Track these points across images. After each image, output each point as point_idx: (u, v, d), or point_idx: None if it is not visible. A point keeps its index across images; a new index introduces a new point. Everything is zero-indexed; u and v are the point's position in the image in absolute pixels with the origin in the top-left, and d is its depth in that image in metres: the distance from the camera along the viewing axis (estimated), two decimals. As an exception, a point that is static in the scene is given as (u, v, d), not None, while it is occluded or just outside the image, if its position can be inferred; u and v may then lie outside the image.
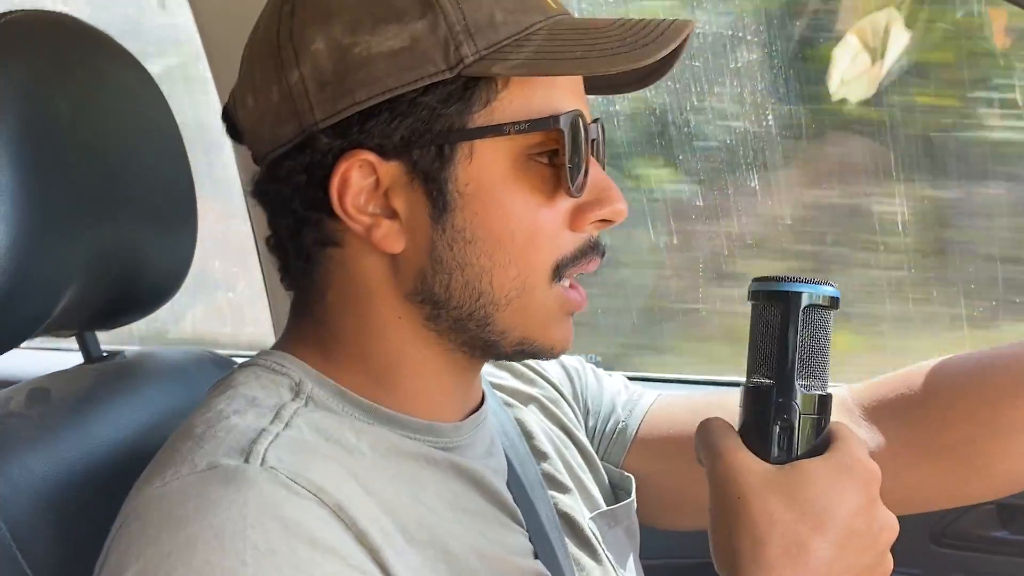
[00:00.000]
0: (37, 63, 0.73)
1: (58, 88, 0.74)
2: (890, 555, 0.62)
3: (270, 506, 0.55)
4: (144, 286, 0.85)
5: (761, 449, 0.61)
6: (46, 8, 0.81)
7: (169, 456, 0.61)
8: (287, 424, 0.62)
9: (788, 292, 0.62)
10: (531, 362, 0.91)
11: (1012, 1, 1.09)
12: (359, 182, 0.64)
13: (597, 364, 0.99)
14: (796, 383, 0.61)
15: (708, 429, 0.64)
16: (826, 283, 0.62)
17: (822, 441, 0.62)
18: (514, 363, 0.90)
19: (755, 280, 0.64)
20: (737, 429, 0.63)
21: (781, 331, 0.62)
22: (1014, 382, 0.78)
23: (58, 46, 0.77)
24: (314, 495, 0.57)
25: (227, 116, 0.71)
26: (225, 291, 1.68)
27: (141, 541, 0.56)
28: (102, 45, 0.82)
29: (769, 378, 0.62)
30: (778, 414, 0.61)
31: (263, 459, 0.58)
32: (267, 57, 0.66)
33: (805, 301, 0.61)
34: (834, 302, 0.63)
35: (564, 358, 0.94)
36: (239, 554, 0.53)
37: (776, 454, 0.61)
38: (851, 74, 1.52)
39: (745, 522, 0.59)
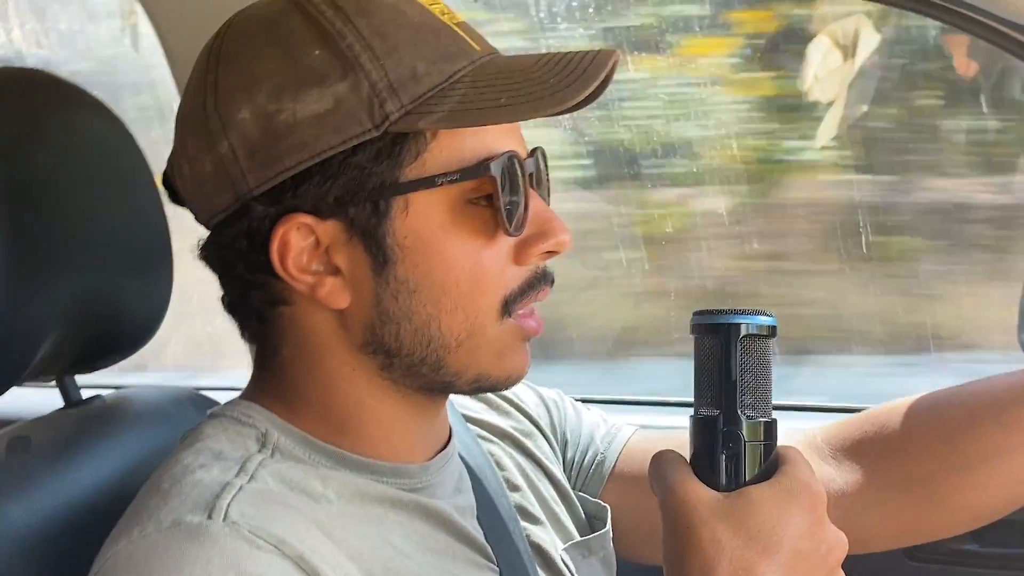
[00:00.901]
0: (12, 119, 0.75)
1: (33, 142, 0.76)
2: (841, 572, 0.63)
3: (233, 561, 0.56)
4: (122, 330, 0.86)
5: (711, 478, 0.62)
6: (21, 50, 0.82)
7: (137, 513, 0.62)
8: (252, 476, 0.63)
9: (726, 324, 0.63)
10: (507, 392, 0.91)
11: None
12: (299, 243, 0.65)
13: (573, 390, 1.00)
14: (740, 412, 0.62)
15: (660, 461, 0.65)
16: (762, 313, 0.63)
17: (770, 465, 0.63)
18: (490, 395, 0.91)
19: (695, 314, 0.65)
20: (689, 460, 0.65)
21: (722, 362, 0.63)
22: (970, 418, 0.80)
23: (32, 101, 0.79)
24: (275, 547, 0.58)
25: (167, 182, 0.72)
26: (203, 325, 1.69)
27: None
28: (75, 98, 0.83)
29: (714, 409, 0.63)
30: (724, 443, 0.62)
31: (226, 514, 0.59)
32: (197, 128, 0.66)
33: (743, 331, 0.62)
34: (772, 331, 0.63)
35: (543, 390, 0.95)
36: None
37: (724, 482, 0.62)
38: (824, 71, 1.55)
39: (694, 550, 0.60)
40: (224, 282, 0.70)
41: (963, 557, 1.20)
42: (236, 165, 0.64)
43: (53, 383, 0.90)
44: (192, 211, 0.71)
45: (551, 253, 0.69)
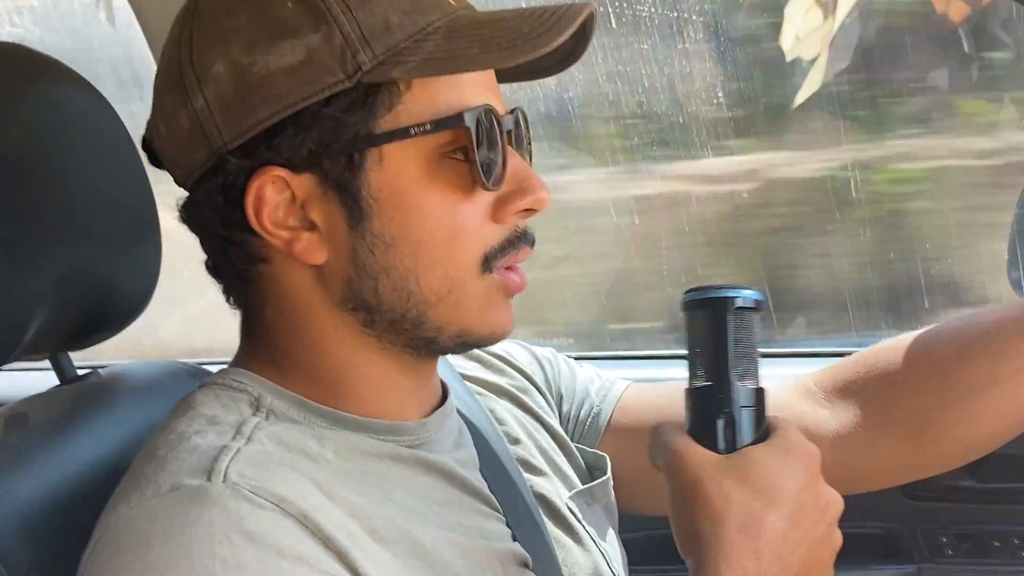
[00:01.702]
0: None
1: (10, 116, 0.75)
2: (837, 530, 0.65)
3: (235, 521, 0.56)
4: (113, 305, 0.86)
5: (709, 444, 0.66)
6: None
7: (134, 480, 0.62)
8: (248, 439, 0.63)
9: (717, 298, 0.67)
10: (501, 352, 0.92)
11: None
12: (274, 198, 0.65)
13: (569, 346, 1.01)
14: (733, 381, 0.66)
15: (660, 431, 0.67)
16: (749, 288, 0.68)
17: (763, 431, 0.67)
18: (483, 355, 0.91)
19: (687, 292, 0.69)
20: (687, 429, 0.67)
21: (715, 334, 0.66)
22: (960, 350, 0.81)
23: (8, 75, 0.78)
24: (277, 506, 0.58)
25: (146, 145, 0.72)
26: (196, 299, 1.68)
27: (111, 567, 0.57)
28: (54, 72, 0.82)
29: (709, 378, 0.67)
30: (720, 410, 0.66)
31: (225, 476, 0.59)
32: (173, 85, 0.66)
33: (734, 305, 0.66)
34: (759, 304, 0.67)
35: (536, 348, 0.96)
36: (208, 569, 0.55)
37: (722, 446, 0.66)
38: (804, 31, 1.54)
39: (702, 504, 0.62)
40: (204, 242, 0.70)
41: (960, 493, 1.22)
42: (211, 120, 0.64)
43: (47, 363, 0.91)
44: (171, 172, 0.70)
45: (529, 211, 0.69)
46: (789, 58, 1.55)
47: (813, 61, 1.53)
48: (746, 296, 0.67)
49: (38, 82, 0.80)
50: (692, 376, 0.68)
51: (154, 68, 0.72)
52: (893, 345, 0.86)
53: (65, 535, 0.70)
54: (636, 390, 0.94)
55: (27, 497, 0.71)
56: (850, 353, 0.91)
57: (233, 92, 0.63)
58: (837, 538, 0.65)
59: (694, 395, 0.68)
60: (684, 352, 0.69)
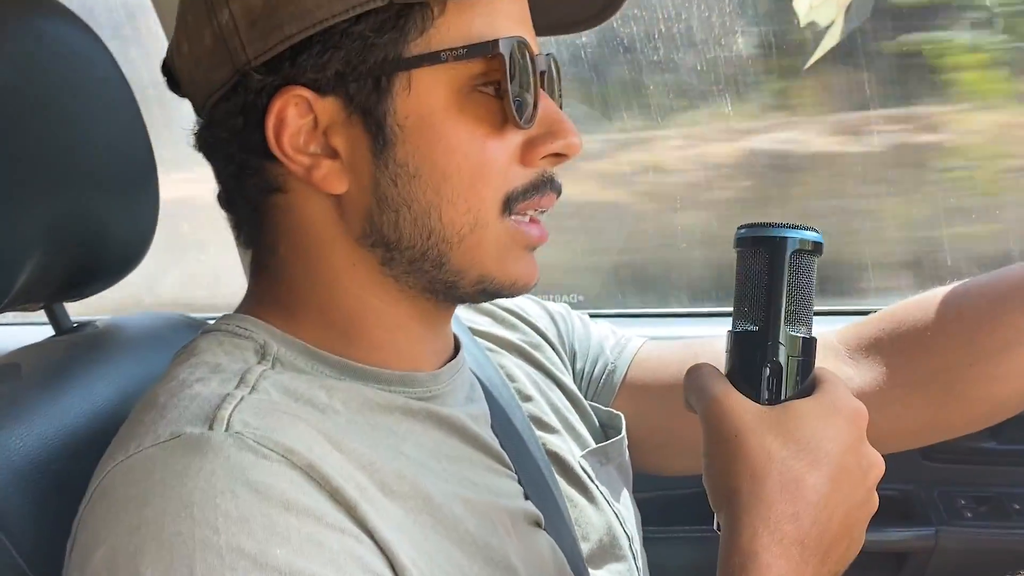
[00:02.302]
0: None
1: None
2: (875, 493, 0.63)
3: (238, 472, 0.54)
4: (108, 254, 0.83)
5: (750, 392, 0.62)
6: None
7: (132, 428, 0.59)
8: (253, 388, 0.60)
9: (775, 237, 0.63)
10: (513, 307, 0.90)
11: None
12: (296, 121, 0.62)
13: (580, 303, 0.98)
14: (783, 327, 0.62)
15: (697, 374, 0.64)
16: (811, 228, 0.63)
17: (809, 384, 0.63)
18: (495, 309, 0.89)
19: (741, 227, 0.65)
20: (725, 374, 0.64)
21: (769, 276, 0.63)
22: (990, 306, 0.79)
23: None
24: (284, 457, 0.56)
25: (166, 68, 0.70)
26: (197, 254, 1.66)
27: (108, 518, 0.55)
28: (43, 5, 0.79)
29: (757, 323, 0.63)
30: (766, 358, 0.63)
31: (228, 424, 0.56)
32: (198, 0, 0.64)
33: (792, 246, 0.62)
34: (818, 247, 0.63)
35: (549, 304, 0.94)
36: (210, 523, 0.52)
37: (766, 396, 0.63)
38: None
39: (743, 459, 0.59)
40: (218, 168, 0.67)
41: (979, 455, 1.20)
42: (235, 36, 0.62)
43: (45, 318, 0.88)
44: (190, 95, 0.68)
45: (560, 157, 0.67)
46: (803, 23, 1.50)
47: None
48: (806, 237, 0.62)
49: (25, 15, 0.76)
50: (739, 318, 0.64)
51: (150, 8, 0.69)
52: (920, 301, 0.83)
53: (58, 487, 0.67)
54: (652, 347, 0.91)
55: (19, 448, 0.68)
56: (872, 311, 0.88)
57: (261, 7, 0.61)
58: (874, 502, 0.63)
59: (739, 339, 0.64)
60: (732, 291, 0.66)
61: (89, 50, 0.81)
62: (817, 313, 1.42)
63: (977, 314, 0.79)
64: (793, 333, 0.63)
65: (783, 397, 0.62)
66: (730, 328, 0.65)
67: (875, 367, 0.83)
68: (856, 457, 0.61)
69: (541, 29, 0.69)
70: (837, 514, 0.59)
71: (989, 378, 0.79)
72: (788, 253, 0.62)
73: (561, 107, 0.70)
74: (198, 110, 0.67)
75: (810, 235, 0.63)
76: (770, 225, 0.63)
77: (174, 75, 0.69)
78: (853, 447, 0.61)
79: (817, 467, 0.59)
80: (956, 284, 0.83)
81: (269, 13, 0.61)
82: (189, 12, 0.65)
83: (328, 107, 0.62)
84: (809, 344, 0.63)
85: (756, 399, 0.62)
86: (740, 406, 0.61)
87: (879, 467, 0.62)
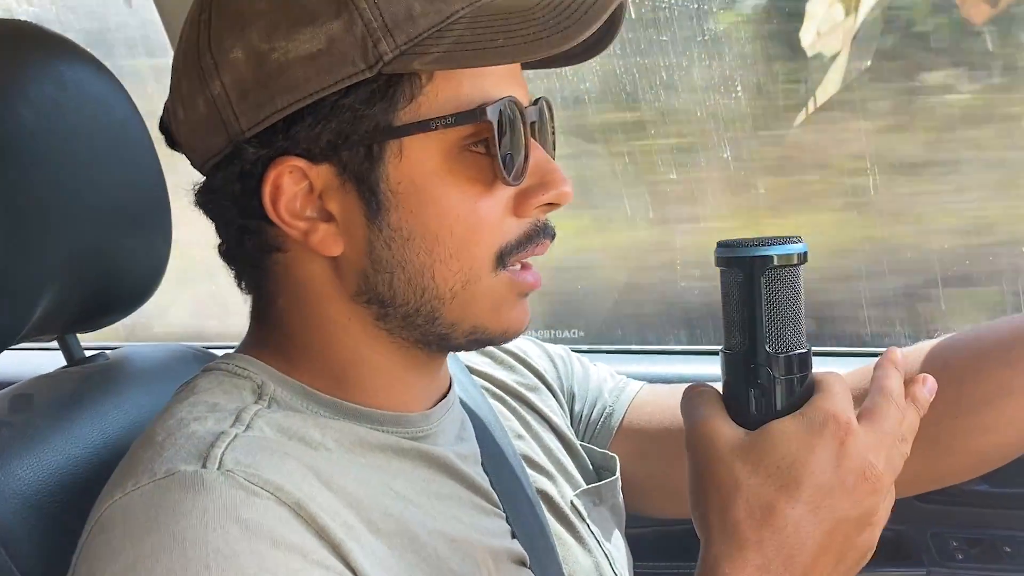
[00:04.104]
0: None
1: (20, 95, 0.74)
2: (876, 501, 0.61)
3: (229, 509, 0.56)
4: (121, 288, 0.86)
5: (743, 412, 0.62)
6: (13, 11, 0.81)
7: (131, 466, 0.61)
8: (248, 426, 0.62)
9: (747, 257, 0.61)
10: (513, 348, 0.91)
11: None
12: (291, 188, 0.64)
13: (580, 339, 0.99)
14: (766, 346, 0.61)
15: (692, 394, 0.65)
16: (791, 240, 0.61)
17: (803, 396, 0.62)
18: (494, 350, 0.90)
19: (719, 246, 0.63)
20: (722, 394, 0.64)
21: (748, 296, 0.61)
22: (975, 359, 0.80)
23: (18, 53, 0.77)
24: (272, 494, 0.58)
25: (163, 128, 0.71)
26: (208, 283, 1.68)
27: (106, 552, 0.57)
28: (65, 50, 0.82)
29: (742, 342, 0.62)
30: (753, 378, 0.62)
31: (220, 462, 0.58)
32: (191, 68, 0.65)
33: (766, 264, 0.60)
34: (801, 258, 0.61)
35: (549, 346, 0.95)
36: (202, 559, 0.54)
37: (755, 416, 0.62)
38: (826, 27, 1.51)
39: (712, 488, 0.60)
40: (219, 228, 0.69)
41: (971, 497, 1.21)
42: (228, 106, 0.63)
43: (56, 344, 0.90)
44: (188, 156, 0.70)
45: (552, 205, 0.68)
46: (810, 54, 1.52)
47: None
48: (782, 251, 0.60)
49: (48, 61, 0.79)
50: (727, 338, 0.63)
51: (168, 49, 0.71)
52: (908, 354, 0.84)
53: (67, 517, 0.69)
54: (650, 391, 0.92)
55: (29, 478, 0.70)
56: (876, 354, 0.89)
57: (251, 79, 0.62)
58: (870, 513, 0.61)
59: (727, 359, 0.63)
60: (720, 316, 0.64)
61: (108, 93, 0.84)
62: (826, 354, 1.40)
63: (962, 368, 0.80)
64: (779, 352, 0.61)
65: (774, 415, 0.61)
66: (721, 348, 0.64)
67: None
68: (838, 475, 0.59)
69: (528, 65, 0.70)
70: (815, 535, 0.59)
71: (974, 430, 0.80)
72: (763, 271, 0.60)
73: (555, 147, 0.72)
74: (197, 168, 0.69)
75: (788, 248, 0.61)
76: (742, 244, 0.61)
77: (171, 134, 0.70)
78: (833, 465, 0.59)
79: (787, 492, 0.58)
80: (943, 337, 0.84)
81: (260, 86, 0.62)
82: (183, 79, 0.66)
83: (322, 174, 0.64)
84: (799, 359, 0.62)
85: (747, 418, 0.61)
86: (716, 433, 0.61)
87: (872, 479, 0.60)
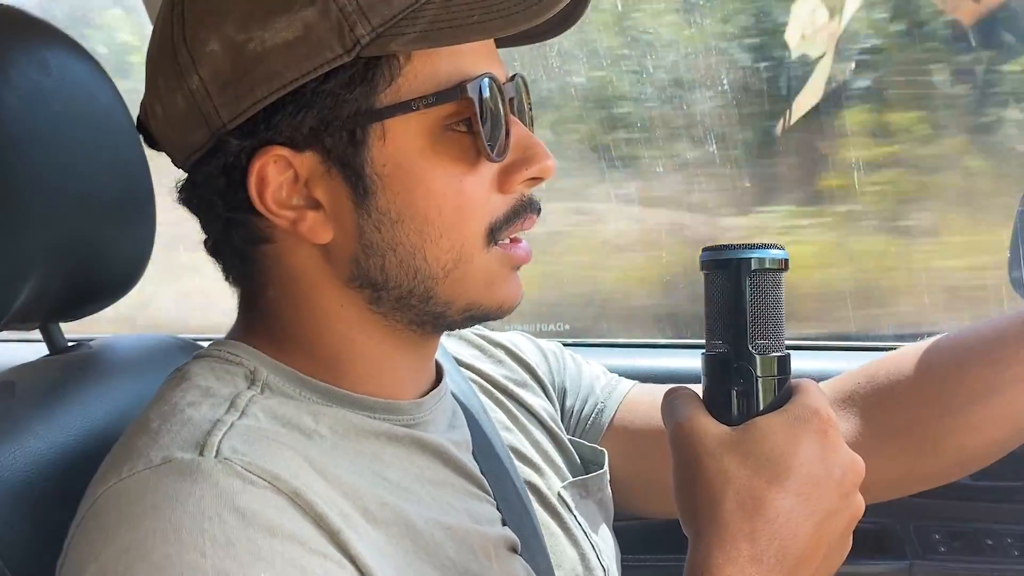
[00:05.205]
0: None
1: (2, 78, 0.73)
2: (859, 496, 0.62)
3: (226, 498, 0.55)
4: (105, 277, 0.85)
5: (724, 414, 0.63)
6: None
7: (125, 451, 0.61)
8: (243, 413, 0.62)
9: (733, 259, 0.63)
10: (505, 342, 0.92)
11: None
12: (276, 177, 0.64)
13: (566, 332, 1.00)
14: (750, 348, 0.63)
15: (673, 396, 0.65)
16: (773, 246, 0.63)
17: (783, 398, 0.63)
18: (485, 344, 0.91)
19: (704, 249, 0.65)
20: (702, 396, 0.65)
21: (732, 298, 0.63)
22: (958, 359, 0.81)
23: (1, 36, 0.76)
24: (270, 483, 0.57)
25: (141, 126, 0.70)
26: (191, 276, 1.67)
27: (99, 539, 0.56)
28: (48, 35, 0.81)
29: (725, 345, 0.63)
30: (735, 379, 0.63)
31: (217, 450, 0.58)
32: (167, 64, 0.65)
33: (752, 266, 0.62)
34: (783, 264, 0.63)
35: (542, 341, 0.95)
36: (198, 547, 0.53)
37: (737, 417, 0.63)
38: (810, 30, 1.52)
39: (701, 482, 0.60)
40: (205, 223, 0.69)
41: (954, 490, 1.19)
42: (208, 100, 0.63)
43: (39, 335, 0.89)
44: (168, 153, 0.69)
45: (536, 180, 0.68)
46: (794, 55, 1.52)
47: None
48: (767, 256, 0.62)
49: (31, 45, 0.78)
50: (709, 340, 0.65)
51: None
52: (894, 356, 0.85)
53: (50, 505, 0.69)
54: (642, 390, 0.93)
55: (12, 466, 0.70)
56: (867, 348, 0.90)
57: (229, 70, 0.62)
58: (855, 506, 0.62)
59: (710, 362, 0.64)
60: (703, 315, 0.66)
61: (92, 79, 0.83)
62: (833, 348, 1.40)
63: (944, 368, 0.81)
64: (760, 352, 0.63)
65: (756, 415, 0.62)
66: (703, 351, 0.66)
67: (850, 420, 0.85)
68: (825, 466, 0.60)
69: (502, 42, 0.70)
70: (806, 526, 0.59)
71: (960, 429, 0.80)
72: (747, 274, 0.62)
73: (533, 124, 0.72)
74: (178, 166, 0.69)
75: (771, 253, 0.63)
76: (729, 247, 0.63)
77: (150, 133, 0.70)
78: (819, 456, 0.60)
79: (778, 482, 0.59)
80: (929, 339, 0.85)
81: (239, 77, 0.62)
82: (159, 76, 0.66)
83: (307, 161, 0.64)
84: (780, 362, 0.63)
85: (728, 420, 0.62)
86: (702, 429, 0.61)
87: (855, 472, 0.62)
